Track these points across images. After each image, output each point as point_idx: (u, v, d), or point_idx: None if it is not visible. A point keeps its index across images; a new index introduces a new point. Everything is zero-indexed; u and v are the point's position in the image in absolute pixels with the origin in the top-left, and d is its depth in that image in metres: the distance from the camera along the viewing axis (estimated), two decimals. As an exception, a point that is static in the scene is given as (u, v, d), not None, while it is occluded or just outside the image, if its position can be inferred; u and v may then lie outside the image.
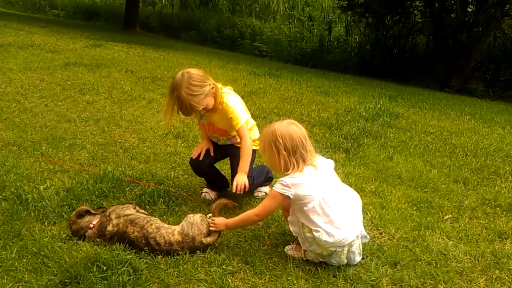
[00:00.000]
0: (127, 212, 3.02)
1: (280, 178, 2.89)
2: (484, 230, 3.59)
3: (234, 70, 9.28)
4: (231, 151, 3.78)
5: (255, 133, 3.79)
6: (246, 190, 3.41)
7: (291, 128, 2.92)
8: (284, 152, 2.86)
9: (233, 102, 3.53)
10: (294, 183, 2.83)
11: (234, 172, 3.65)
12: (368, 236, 3.05)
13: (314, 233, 2.83)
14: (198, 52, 12.34)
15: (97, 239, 2.96)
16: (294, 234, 3.02)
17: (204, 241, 2.96)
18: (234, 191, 3.39)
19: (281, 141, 2.86)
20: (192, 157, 3.79)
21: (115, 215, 2.99)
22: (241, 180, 3.37)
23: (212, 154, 3.77)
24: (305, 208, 2.83)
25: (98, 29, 16.31)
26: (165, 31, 19.24)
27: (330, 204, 2.85)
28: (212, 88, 3.41)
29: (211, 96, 3.42)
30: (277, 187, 2.88)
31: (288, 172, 2.89)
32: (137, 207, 3.22)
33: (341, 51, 15.13)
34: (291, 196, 2.83)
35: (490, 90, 11.72)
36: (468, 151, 5.39)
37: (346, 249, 2.86)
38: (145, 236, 2.89)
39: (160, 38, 17.38)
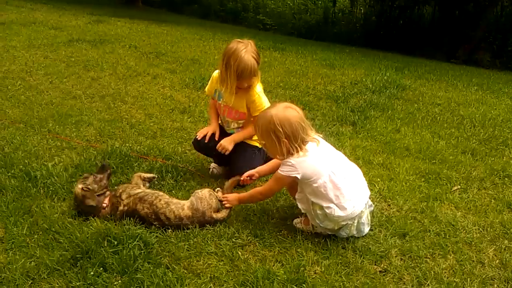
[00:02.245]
0: (136, 191, 3.03)
1: (285, 159, 2.83)
2: (492, 200, 3.58)
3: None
4: (235, 148, 3.64)
5: None
6: (225, 152, 3.54)
7: (288, 113, 2.82)
8: (285, 140, 2.78)
9: (258, 89, 3.53)
10: (300, 162, 2.79)
11: (232, 171, 3.58)
12: (372, 204, 3.05)
13: (326, 210, 2.81)
14: (201, 26, 12.23)
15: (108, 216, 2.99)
16: (303, 211, 3.01)
17: (214, 216, 2.98)
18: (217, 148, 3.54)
19: (280, 129, 2.77)
20: (196, 138, 3.72)
21: (125, 195, 3.00)
22: (227, 142, 3.53)
23: (217, 139, 3.66)
24: (315, 185, 2.79)
25: (100, 4, 16.15)
26: (167, 5, 19.06)
27: (339, 177, 2.82)
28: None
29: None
30: (283, 169, 2.82)
31: (294, 157, 2.81)
32: (142, 174, 3.32)
33: (346, 23, 14.93)
34: (298, 177, 2.79)
35: (498, 61, 11.57)
36: (476, 122, 5.36)
37: (356, 221, 2.86)
38: (155, 211, 2.90)
39: (162, 12, 17.24)
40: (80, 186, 2.98)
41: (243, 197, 3.10)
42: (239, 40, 3.42)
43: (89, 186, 2.99)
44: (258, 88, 3.53)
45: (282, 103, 2.92)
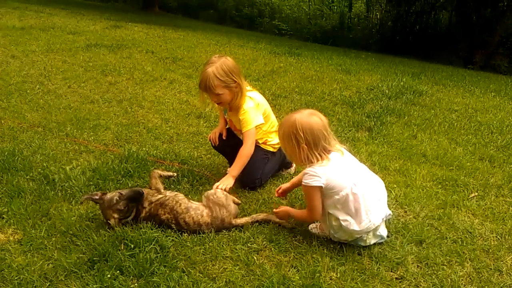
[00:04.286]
0: (157, 197, 3.03)
1: (307, 169, 2.78)
2: (510, 208, 3.54)
3: (254, 49, 9.24)
4: None
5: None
6: (226, 191, 3.30)
7: (312, 120, 2.78)
8: (305, 146, 2.75)
9: (247, 105, 3.50)
10: (324, 171, 2.73)
11: (242, 177, 3.61)
12: (391, 212, 3.00)
13: (342, 222, 2.78)
14: (217, 32, 12.30)
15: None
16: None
17: (233, 222, 2.99)
18: (214, 189, 3.26)
19: (301, 134, 2.73)
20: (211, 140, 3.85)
21: (147, 202, 3.00)
22: (224, 184, 3.35)
23: (224, 138, 3.77)
24: (336, 197, 2.76)
25: (117, 10, 16.36)
26: (183, 10, 19.22)
27: (361, 190, 2.78)
28: (235, 87, 3.41)
29: (230, 92, 3.42)
30: (306, 180, 2.75)
31: (314, 165, 2.77)
32: (160, 173, 3.27)
33: (362, 28, 14.94)
34: (322, 185, 2.73)
35: (515, 67, 11.48)
36: (493, 129, 5.30)
37: (371, 233, 2.85)
38: (175, 216, 2.93)
39: (178, 18, 17.38)
40: (115, 216, 2.89)
41: (294, 213, 3.01)
42: (224, 55, 3.48)
43: (122, 216, 2.92)
44: (249, 104, 3.51)
45: (308, 110, 2.89)
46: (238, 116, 3.53)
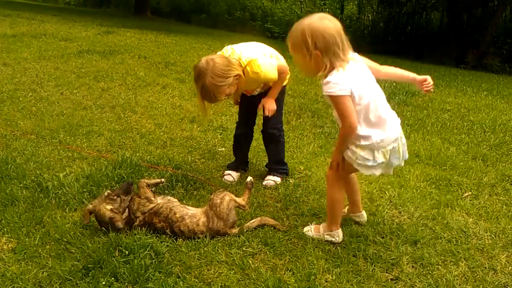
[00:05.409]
0: (149, 207, 3.00)
1: (327, 78, 2.56)
2: (504, 206, 3.56)
3: (246, 52, 9.23)
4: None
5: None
6: (270, 115, 3.56)
7: (323, 24, 2.54)
8: (316, 52, 2.53)
9: (249, 55, 3.43)
10: (344, 79, 2.54)
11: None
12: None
13: (363, 139, 2.65)
14: (209, 36, 12.30)
15: None
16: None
17: (228, 232, 2.98)
18: (264, 114, 3.58)
19: (310, 40, 2.51)
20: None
21: (139, 212, 2.98)
22: (269, 103, 3.56)
23: (239, 101, 3.87)
24: (358, 108, 2.60)
25: (109, 15, 16.34)
26: (175, 15, 19.21)
27: (379, 97, 2.68)
28: (236, 77, 3.28)
29: (234, 84, 3.30)
30: (331, 90, 2.53)
31: (319, 74, 2.59)
32: (148, 181, 3.16)
33: (354, 30, 14.95)
34: (349, 94, 2.54)
35: (507, 65, 11.52)
36: (486, 128, 5.33)
37: (399, 142, 2.73)
38: (170, 225, 2.92)
39: (171, 22, 17.37)
40: (108, 207, 2.90)
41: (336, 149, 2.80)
42: (208, 58, 3.28)
43: (116, 210, 2.92)
44: (249, 55, 3.43)
45: (319, 14, 2.64)
46: (254, 79, 3.44)
